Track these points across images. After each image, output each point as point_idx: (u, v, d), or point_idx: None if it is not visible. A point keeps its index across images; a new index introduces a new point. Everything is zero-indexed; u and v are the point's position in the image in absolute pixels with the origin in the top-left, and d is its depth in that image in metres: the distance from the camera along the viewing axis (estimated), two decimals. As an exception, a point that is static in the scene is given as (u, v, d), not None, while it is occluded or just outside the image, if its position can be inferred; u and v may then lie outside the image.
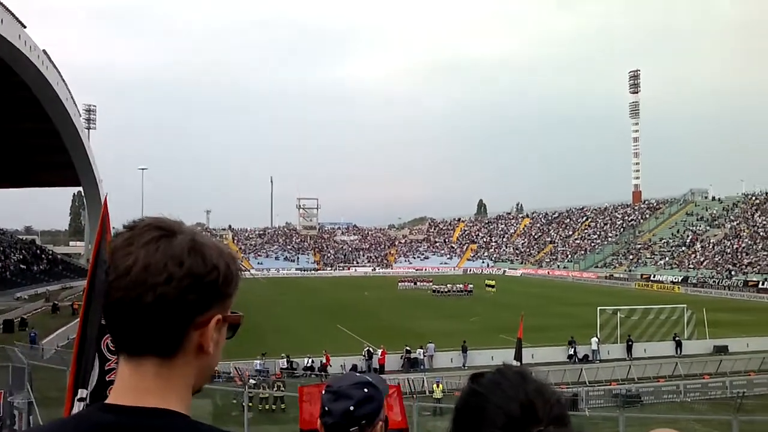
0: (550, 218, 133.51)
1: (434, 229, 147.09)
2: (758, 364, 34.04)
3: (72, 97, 72.28)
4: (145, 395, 1.19)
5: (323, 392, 2.05)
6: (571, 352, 36.54)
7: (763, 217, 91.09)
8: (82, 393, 4.24)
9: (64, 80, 67.43)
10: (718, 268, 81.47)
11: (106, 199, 5.24)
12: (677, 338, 38.81)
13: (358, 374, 2.12)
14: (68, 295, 67.61)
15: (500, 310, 56.76)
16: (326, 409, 1.99)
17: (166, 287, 1.16)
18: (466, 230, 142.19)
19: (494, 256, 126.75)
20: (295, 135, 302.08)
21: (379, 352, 34.61)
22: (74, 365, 4.38)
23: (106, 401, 1.21)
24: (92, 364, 4.27)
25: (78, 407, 4.19)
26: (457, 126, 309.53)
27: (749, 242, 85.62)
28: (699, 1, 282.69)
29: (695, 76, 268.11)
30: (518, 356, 26.69)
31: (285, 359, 33.52)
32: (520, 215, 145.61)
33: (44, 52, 59.83)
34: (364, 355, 34.31)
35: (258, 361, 32.37)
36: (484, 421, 1.15)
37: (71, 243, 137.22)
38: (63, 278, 79.20)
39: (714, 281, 77.41)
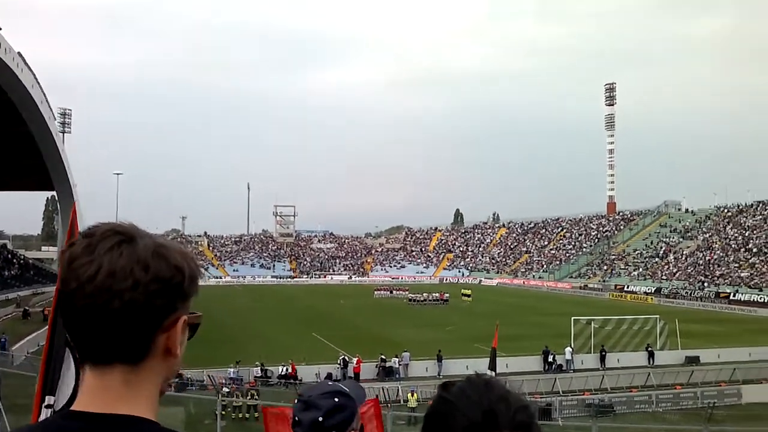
0: (526, 228, 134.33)
1: (411, 238, 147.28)
2: (729, 375, 34.45)
3: (47, 101, 71.43)
4: (113, 403, 1.18)
5: (295, 401, 2.03)
6: (551, 359, 36.73)
7: (735, 230, 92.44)
8: (50, 400, 4.18)
9: (39, 83, 66.63)
10: (691, 280, 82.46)
11: (74, 206, 5.19)
12: (650, 349, 39.18)
13: (331, 383, 2.11)
14: (39, 301, 66.57)
15: (476, 320, 56.92)
16: (296, 419, 1.97)
17: (134, 293, 1.15)
18: (442, 239, 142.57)
19: (470, 265, 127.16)
20: (273, 142, 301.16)
21: (354, 360, 34.54)
22: (42, 372, 4.32)
23: (73, 408, 1.19)
24: (60, 371, 4.21)
25: (45, 414, 4.13)
26: (435, 136, 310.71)
27: (721, 254, 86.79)
28: (672, 18, 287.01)
29: (669, 89, 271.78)
30: (493, 365, 26.75)
31: (259, 367, 33.29)
32: (497, 225, 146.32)
33: (19, 54, 59.09)
34: (340, 364, 34.20)
35: (232, 369, 32.10)
36: (449, 428, 1.18)
37: (43, 248, 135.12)
38: (34, 284, 77.99)
39: (686, 292, 78.30)
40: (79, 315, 1.16)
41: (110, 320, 1.15)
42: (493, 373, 24.61)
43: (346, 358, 34.94)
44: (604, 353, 38.00)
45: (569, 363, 37.07)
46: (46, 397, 4.17)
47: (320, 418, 1.93)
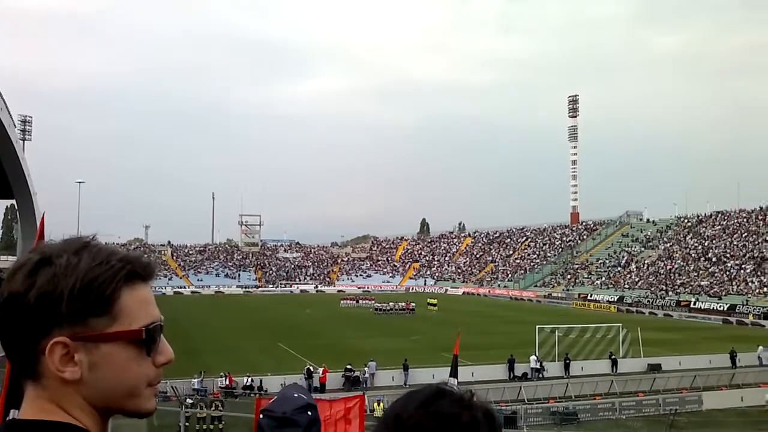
0: (491, 238, 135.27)
1: (377, 247, 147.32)
2: (690, 382, 35.04)
3: (6, 107, 70.07)
4: (40, 412, 1.17)
5: (261, 417, 2.00)
6: (537, 366, 37.21)
7: (695, 240, 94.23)
8: (14, 414, 4.08)
9: (-2, 89, 65.33)
10: (652, 288, 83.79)
11: (43, 218, 5.09)
12: (613, 357, 39.66)
13: (296, 395, 2.09)
14: (-3, 312, 65.15)
15: (442, 329, 57.05)
16: None
17: (1, 311, 1.15)
18: (408, 249, 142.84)
19: (436, 275, 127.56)
20: (238, 151, 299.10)
21: (320, 370, 34.36)
22: (6, 385, 4.22)
23: (13, 418, 1.22)
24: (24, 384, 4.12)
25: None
26: (401, 146, 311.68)
27: (682, 263, 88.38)
28: (635, 32, 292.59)
29: (631, 102, 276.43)
30: (454, 373, 26.84)
31: (224, 378, 32.93)
32: (462, 235, 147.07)
33: (-22, 59, 57.94)
34: (305, 374, 33.99)
35: (195, 380, 31.68)
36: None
37: (2, 257, 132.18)
38: (-8, 294, 76.19)
39: (648, 301, 79.52)
40: None
41: (1, 337, 1.17)
42: (455, 381, 24.75)
43: (311, 368, 34.76)
44: (568, 361, 38.37)
45: (534, 371, 37.36)
46: (11, 411, 4.08)
47: None
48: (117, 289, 1.17)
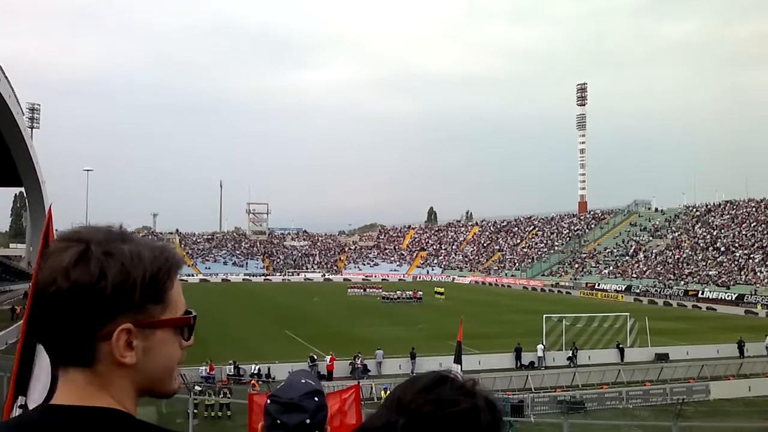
0: (498, 227, 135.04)
1: (384, 236, 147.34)
2: (697, 372, 35.00)
3: (15, 95, 70.23)
4: (84, 397, 1.21)
5: (269, 402, 1.99)
6: (541, 354, 37.32)
7: (703, 229, 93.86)
8: (22, 400, 4.11)
9: (6, 77, 65.49)
10: (660, 278, 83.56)
11: (50, 207, 5.10)
12: (620, 346, 39.63)
13: (302, 380, 2.08)
14: (7, 299, 65.53)
15: (449, 318, 57.09)
16: (278, 421, 1.94)
17: (57, 302, 1.16)
18: (416, 237, 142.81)
19: (443, 263, 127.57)
20: (247, 140, 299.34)
21: (328, 358, 34.43)
22: (15, 372, 4.24)
23: (49, 403, 1.22)
24: (31, 370, 4.15)
25: (17, 414, 4.06)
26: (409, 134, 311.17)
27: (690, 253, 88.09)
28: (644, 21, 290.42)
29: (640, 90, 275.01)
30: (458, 359, 26.93)
31: (232, 365, 33.08)
32: (470, 224, 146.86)
33: (-14, 48, 58.01)
34: (309, 361, 34.02)
35: (204, 368, 31.85)
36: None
37: (11, 245, 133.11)
38: (2, 281, 76.69)
39: (656, 290, 79.35)
40: (32, 321, 1.24)
41: (48, 327, 1.19)
42: (459, 367, 24.84)
43: (314, 356, 34.80)
44: (575, 350, 38.37)
45: (541, 360, 37.40)
46: (19, 398, 4.10)
47: (307, 421, 1.92)
48: (170, 279, 1.27)
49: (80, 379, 1.22)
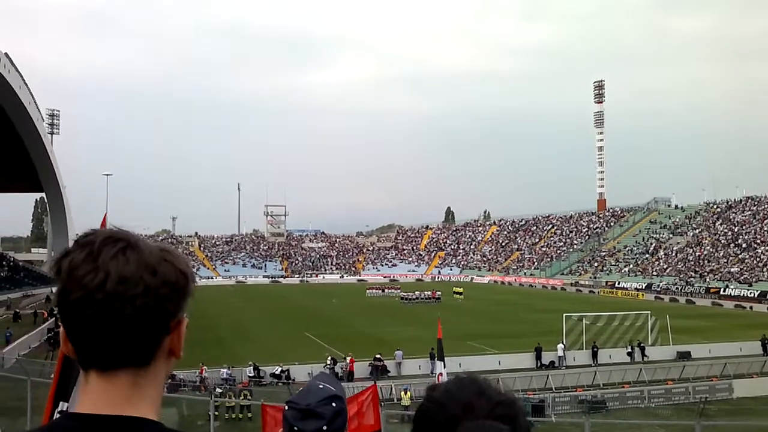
0: (516, 226, 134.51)
1: (402, 236, 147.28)
2: (720, 370, 34.63)
3: (35, 102, 71.04)
4: (117, 405, 1.20)
5: (287, 408, 1.98)
6: (561, 354, 37.29)
7: (724, 226, 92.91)
8: (63, 406, 4.14)
9: (26, 84, 66.27)
10: (681, 275, 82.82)
11: (105, 217, 5.16)
12: (641, 344, 39.30)
13: (321, 386, 2.07)
14: (29, 303, 66.29)
15: (468, 317, 57.02)
16: (295, 428, 1.93)
17: (146, 298, 1.17)
18: (434, 238, 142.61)
19: (462, 263, 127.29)
20: (264, 142, 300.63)
21: (348, 359, 34.45)
22: (57, 377, 4.28)
23: (76, 411, 1.21)
24: (76, 377, 4.18)
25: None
26: (426, 134, 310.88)
27: (711, 250, 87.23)
28: (662, 16, 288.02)
29: (658, 87, 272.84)
30: (441, 356, 27.01)
31: (252, 367, 33.22)
32: (488, 223, 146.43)
33: (6, 55, 58.77)
34: (330, 363, 34.05)
35: (225, 370, 32.01)
36: (434, 424, 1.23)
37: (33, 250, 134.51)
38: (25, 286, 77.60)
39: (677, 288, 78.65)
40: (86, 323, 1.16)
41: (122, 326, 1.16)
42: (443, 365, 25.03)
43: (335, 358, 34.81)
44: (596, 349, 38.13)
45: (561, 359, 37.21)
46: (60, 403, 4.14)
47: (324, 427, 1.91)
48: None
49: (126, 381, 1.21)
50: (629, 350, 38.54)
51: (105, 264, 1.16)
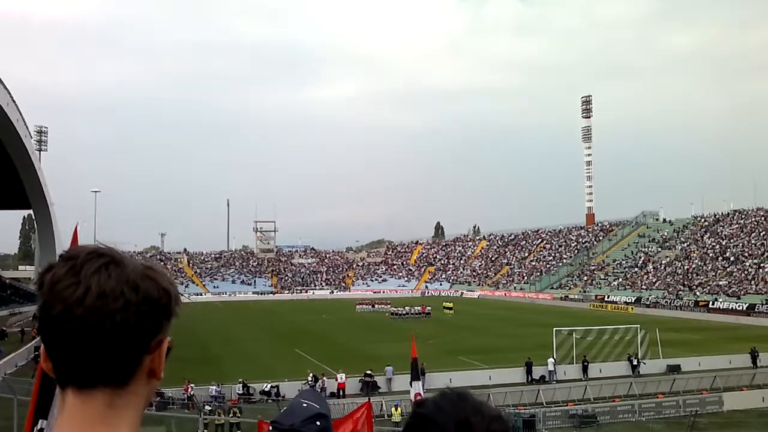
0: (506, 240, 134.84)
1: (392, 251, 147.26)
2: (710, 383, 34.70)
3: (23, 118, 70.75)
4: (91, 426, 1.16)
5: (271, 429, 1.97)
6: (551, 368, 37.17)
7: (713, 239, 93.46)
8: (42, 424, 4.10)
9: (14, 101, 66.01)
10: (670, 289, 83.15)
11: (76, 228, 5.12)
12: (631, 358, 39.35)
13: (305, 404, 2.05)
14: (16, 321, 65.69)
15: (458, 332, 56.98)
16: None
17: (125, 313, 1.14)
18: (423, 253, 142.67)
19: (452, 278, 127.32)
20: (253, 158, 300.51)
21: (343, 376, 34.09)
22: (35, 395, 4.23)
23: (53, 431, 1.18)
24: (54, 394, 4.14)
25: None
26: (415, 150, 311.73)
27: (699, 263, 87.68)
28: (649, 33, 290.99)
29: (645, 102, 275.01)
30: (416, 376, 26.85)
31: (241, 384, 32.99)
32: (477, 238, 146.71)
33: (-6, 72, 58.53)
34: (310, 381, 33.77)
35: (214, 387, 31.79)
36: None
37: (20, 267, 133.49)
38: (11, 303, 76.92)
39: (666, 301, 78.92)
40: (65, 338, 1.14)
41: (100, 342, 1.14)
42: (419, 384, 24.87)
43: (316, 375, 34.47)
44: (586, 363, 38.14)
45: (552, 374, 37.17)
46: (39, 421, 4.10)
47: None
48: None
49: (102, 401, 1.17)
50: (635, 363, 38.60)
51: (86, 278, 1.14)
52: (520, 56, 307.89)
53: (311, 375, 34.28)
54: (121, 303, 1.15)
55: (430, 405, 1.25)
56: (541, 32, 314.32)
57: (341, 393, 33.23)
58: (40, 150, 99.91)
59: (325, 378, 34.12)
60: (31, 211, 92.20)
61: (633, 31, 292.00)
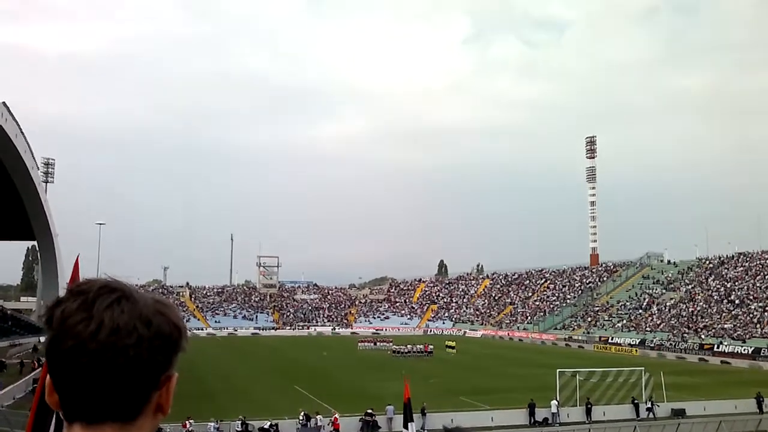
0: (510, 280, 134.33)
1: (395, 289, 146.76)
2: (715, 428, 34.24)
3: (30, 150, 71.33)
4: None
5: None
6: (555, 410, 36.79)
7: (717, 281, 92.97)
8: None
9: (23, 133, 66.63)
10: (674, 331, 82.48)
11: (78, 259, 5.13)
12: (636, 401, 38.88)
13: None
14: (17, 352, 65.38)
15: (460, 372, 56.47)
16: None
17: (138, 349, 1.15)
18: (426, 291, 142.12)
19: (455, 316, 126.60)
20: (257, 193, 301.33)
21: (333, 417, 33.61)
22: (30, 427, 4.21)
23: None
24: (48, 427, 4.12)
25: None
26: (419, 188, 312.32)
27: (704, 305, 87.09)
28: (655, 75, 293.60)
29: (649, 144, 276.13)
30: (410, 418, 26.54)
31: (240, 422, 32.66)
32: (481, 276, 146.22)
33: (3, 104, 59.23)
34: (301, 419, 33.35)
35: (212, 424, 31.48)
36: None
37: (22, 298, 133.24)
38: (12, 334, 76.51)
39: (670, 344, 78.23)
40: (77, 373, 1.14)
41: (112, 377, 1.14)
42: (412, 426, 24.63)
43: (307, 413, 33.99)
44: (590, 406, 37.68)
45: (555, 416, 36.73)
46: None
47: None
48: None
49: None
50: (649, 405, 38.18)
51: (99, 313, 1.14)
52: (526, 98, 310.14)
53: (302, 414, 33.80)
54: (135, 338, 1.15)
55: None
56: (544, 74, 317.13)
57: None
58: (46, 182, 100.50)
59: (319, 417, 33.72)
60: (35, 243, 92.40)
61: (639, 72, 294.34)
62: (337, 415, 33.94)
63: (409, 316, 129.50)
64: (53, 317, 1.16)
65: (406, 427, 25.30)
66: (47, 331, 1.17)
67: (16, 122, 64.24)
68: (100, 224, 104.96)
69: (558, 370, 41.70)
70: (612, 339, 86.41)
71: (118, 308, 1.16)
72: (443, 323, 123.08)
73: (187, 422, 30.99)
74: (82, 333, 1.13)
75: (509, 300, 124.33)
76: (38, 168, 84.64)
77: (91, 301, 1.16)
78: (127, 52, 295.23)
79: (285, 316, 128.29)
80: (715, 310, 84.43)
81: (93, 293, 1.17)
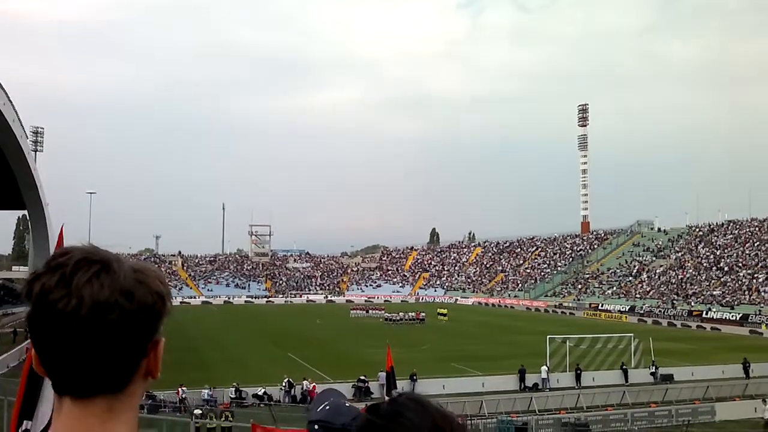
0: (501, 248, 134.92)
1: (387, 257, 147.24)
2: (702, 393, 34.75)
3: (19, 119, 70.61)
4: (93, 429, 1.16)
5: (317, 427, 1.91)
6: (545, 376, 37.34)
7: (707, 249, 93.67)
8: (27, 425, 4.09)
9: (11, 101, 65.82)
10: (664, 298, 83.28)
11: (62, 228, 5.10)
12: (624, 367, 39.40)
13: (346, 404, 1.99)
14: (9, 322, 65.40)
15: (452, 339, 56.97)
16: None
17: (122, 323, 1.12)
18: (418, 259, 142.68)
19: (446, 284, 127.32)
20: (249, 161, 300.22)
21: (310, 385, 33.45)
22: (21, 396, 4.22)
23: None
24: (39, 395, 4.13)
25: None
26: (411, 156, 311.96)
27: (693, 273, 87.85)
28: (647, 41, 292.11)
29: (641, 111, 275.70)
30: (393, 386, 26.86)
31: (234, 389, 32.93)
32: (472, 244, 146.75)
33: (-9, 72, 58.46)
34: (284, 386, 33.61)
35: (206, 391, 31.71)
36: None
37: (14, 267, 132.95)
38: (4, 304, 76.62)
39: (660, 311, 79.01)
40: (60, 350, 1.11)
41: (97, 354, 1.11)
42: (404, 394, 24.73)
43: (291, 380, 34.18)
44: (579, 372, 38.16)
45: (545, 381, 37.19)
46: (24, 422, 4.09)
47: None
48: None
49: (102, 407, 1.16)
50: (652, 370, 38.88)
51: (78, 289, 1.10)
52: (519, 65, 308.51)
53: (286, 380, 34.00)
54: (117, 314, 1.12)
55: (390, 412, 1.19)
56: (538, 40, 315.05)
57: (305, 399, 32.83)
58: (36, 151, 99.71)
59: (305, 382, 33.92)
60: (25, 212, 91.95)
61: (631, 40, 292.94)
62: (315, 384, 34.13)
63: (401, 284, 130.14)
64: (32, 291, 1.12)
65: (389, 394, 25.50)
66: (27, 304, 1.14)
67: (4, 90, 63.44)
68: (91, 193, 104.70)
69: (548, 336, 42.11)
70: (602, 306, 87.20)
71: (97, 282, 1.11)
72: (435, 291, 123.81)
73: (179, 389, 31.22)
74: (63, 310, 1.09)
75: (500, 268, 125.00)
76: (27, 137, 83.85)
77: (70, 275, 1.11)
78: (120, 18, 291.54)
79: (277, 284, 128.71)
80: (704, 277, 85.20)
81: (71, 267, 1.12)
